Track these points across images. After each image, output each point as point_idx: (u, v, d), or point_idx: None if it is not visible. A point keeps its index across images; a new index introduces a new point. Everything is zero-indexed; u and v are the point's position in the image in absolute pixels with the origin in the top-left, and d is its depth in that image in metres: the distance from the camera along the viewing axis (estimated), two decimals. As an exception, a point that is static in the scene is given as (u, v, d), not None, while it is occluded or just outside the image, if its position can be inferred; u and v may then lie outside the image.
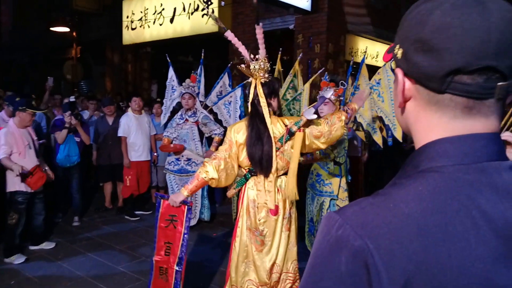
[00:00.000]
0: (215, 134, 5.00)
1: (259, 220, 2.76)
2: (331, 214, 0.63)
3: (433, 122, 0.64)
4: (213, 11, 8.22)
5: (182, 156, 5.03)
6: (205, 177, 2.71)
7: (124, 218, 5.75)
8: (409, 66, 0.64)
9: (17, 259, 4.16)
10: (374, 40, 9.27)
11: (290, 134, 2.72)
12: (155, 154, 6.04)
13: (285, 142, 2.73)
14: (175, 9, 9.40)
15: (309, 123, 2.77)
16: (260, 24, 2.77)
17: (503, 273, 0.54)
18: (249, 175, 2.81)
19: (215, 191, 6.24)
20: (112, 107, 6.05)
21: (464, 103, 0.60)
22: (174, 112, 5.50)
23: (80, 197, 5.47)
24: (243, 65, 2.74)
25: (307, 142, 2.77)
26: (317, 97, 4.03)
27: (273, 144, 2.68)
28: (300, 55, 5.37)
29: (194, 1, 8.91)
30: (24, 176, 4.08)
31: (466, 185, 0.59)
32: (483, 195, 0.58)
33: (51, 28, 12.03)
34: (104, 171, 6.02)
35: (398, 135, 4.03)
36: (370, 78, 4.27)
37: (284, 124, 2.77)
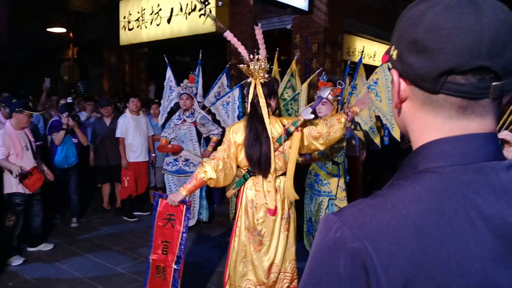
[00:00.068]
0: (213, 134, 5.00)
1: (257, 220, 2.76)
2: (329, 216, 0.62)
3: (429, 122, 0.64)
4: (210, 11, 8.22)
5: (180, 156, 5.02)
6: (204, 177, 2.72)
7: (122, 219, 5.74)
8: (403, 67, 0.64)
9: (15, 261, 4.15)
10: (371, 40, 9.29)
11: (288, 134, 2.72)
12: (153, 155, 6.04)
13: (284, 142, 2.73)
14: (172, 9, 9.38)
15: (307, 123, 2.77)
16: (260, 24, 2.76)
17: (501, 273, 0.54)
18: (248, 175, 2.81)
19: (214, 192, 6.24)
20: (110, 108, 6.04)
21: (458, 103, 0.60)
22: (171, 112, 5.49)
23: (78, 198, 5.46)
24: (243, 65, 2.75)
25: (305, 143, 2.78)
26: (315, 96, 4.04)
27: (272, 144, 2.68)
28: (297, 54, 5.37)
29: (192, 1, 8.89)
30: (24, 176, 4.07)
31: (464, 185, 0.59)
32: (481, 195, 0.58)
33: (48, 29, 11.99)
34: (102, 172, 6.01)
35: (396, 134, 4.04)
36: (367, 78, 4.28)
37: (282, 124, 2.78)
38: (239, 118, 5.10)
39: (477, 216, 0.57)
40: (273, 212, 2.75)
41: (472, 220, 0.56)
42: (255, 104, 2.73)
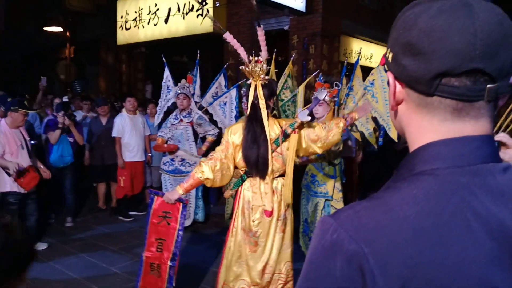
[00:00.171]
0: (209, 134, 5.00)
1: (253, 222, 2.77)
2: (326, 218, 0.62)
3: (424, 124, 0.64)
4: (208, 12, 8.22)
5: (177, 156, 5.02)
6: (201, 177, 2.73)
7: (118, 218, 5.72)
8: (399, 69, 0.64)
9: (9, 261, 4.12)
10: (368, 42, 9.31)
11: (285, 135, 2.74)
12: (149, 154, 6.02)
13: (281, 143, 2.74)
14: (169, 9, 9.37)
15: (304, 126, 2.78)
16: (262, 26, 2.78)
17: (498, 275, 0.54)
18: (246, 176, 2.82)
19: (210, 192, 6.23)
20: (106, 107, 6.02)
21: (453, 105, 0.61)
22: (168, 112, 5.48)
23: (73, 197, 5.43)
24: (243, 67, 2.76)
25: (304, 145, 2.78)
26: (312, 97, 4.04)
27: (269, 146, 2.69)
28: (294, 55, 5.37)
29: (189, 2, 8.89)
30: (21, 173, 4.05)
31: (460, 187, 0.59)
32: (478, 197, 0.58)
33: (45, 28, 11.95)
34: (98, 172, 5.99)
35: (393, 135, 4.05)
36: (364, 79, 4.29)
37: (280, 126, 2.79)
38: (236, 118, 5.09)
39: (474, 218, 0.57)
40: (269, 214, 2.76)
41: (469, 222, 0.56)
42: (255, 105, 2.73)
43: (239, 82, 5.33)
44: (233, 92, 5.15)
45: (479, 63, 0.57)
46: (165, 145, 5.02)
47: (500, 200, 0.58)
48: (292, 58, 5.24)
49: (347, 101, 4.34)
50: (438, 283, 0.54)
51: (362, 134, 4.44)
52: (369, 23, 8.81)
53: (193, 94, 5.20)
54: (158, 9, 9.67)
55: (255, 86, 2.74)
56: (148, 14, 9.88)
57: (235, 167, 2.84)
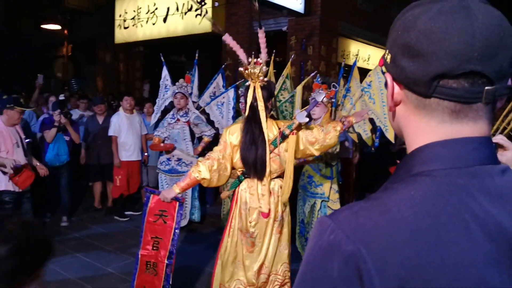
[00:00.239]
0: (205, 135, 4.99)
1: (250, 223, 2.77)
2: (323, 218, 0.62)
3: (422, 126, 0.64)
4: (206, 12, 8.21)
5: (173, 156, 5.01)
6: (197, 176, 2.75)
7: (114, 218, 5.70)
8: (397, 70, 0.64)
9: (4, 259, 4.09)
10: (365, 43, 9.34)
11: (283, 137, 2.75)
12: (146, 154, 6.00)
13: (279, 144, 2.75)
14: (168, 8, 9.36)
15: (302, 127, 2.79)
16: (263, 28, 2.79)
17: (496, 277, 0.54)
18: (243, 177, 2.83)
19: (206, 192, 6.22)
20: (103, 106, 5.99)
21: (451, 107, 0.61)
22: (165, 112, 5.47)
23: (69, 196, 5.41)
24: (242, 68, 2.77)
25: (301, 147, 2.80)
26: (309, 99, 4.05)
27: (267, 147, 2.70)
28: (293, 56, 5.37)
29: (188, 1, 8.88)
30: (18, 170, 4.02)
31: (458, 189, 0.59)
32: (476, 199, 0.58)
33: (42, 26, 11.91)
34: (94, 171, 5.96)
35: (390, 137, 4.05)
36: (361, 81, 4.29)
37: (278, 127, 2.80)
38: (233, 119, 5.09)
39: (472, 220, 0.56)
40: (266, 215, 2.76)
41: (467, 224, 0.56)
42: (254, 107, 2.74)
43: (237, 83, 5.33)
44: (231, 92, 5.14)
45: (477, 65, 0.57)
46: (162, 145, 5.01)
47: (499, 202, 0.58)
48: (290, 60, 5.24)
49: (344, 103, 4.34)
50: (436, 284, 0.54)
51: (359, 135, 4.45)
52: (367, 25, 8.84)
53: (190, 94, 5.19)
54: (156, 8, 9.66)
55: (254, 87, 2.75)
56: (147, 13, 9.86)
57: (233, 168, 2.84)
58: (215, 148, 2.82)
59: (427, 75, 0.59)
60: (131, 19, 10.25)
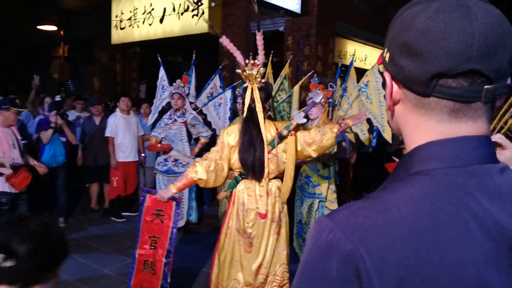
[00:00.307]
0: (202, 136, 4.98)
1: (247, 223, 2.77)
2: (322, 218, 0.62)
3: (421, 125, 0.64)
4: (203, 12, 8.20)
5: (170, 156, 4.99)
6: (194, 177, 2.75)
7: (111, 219, 5.68)
8: (395, 69, 0.64)
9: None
10: (362, 43, 9.36)
11: (281, 137, 2.76)
12: (143, 155, 5.98)
13: (276, 145, 2.76)
14: (165, 9, 9.35)
15: (300, 128, 2.80)
16: (261, 31, 2.80)
17: (495, 276, 0.54)
18: (240, 178, 2.83)
19: (204, 193, 6.21)
20: (100, 107, 5.97)
21: (450, 106, 0.60)
22: (162, 112, 5.46)
23: (65, 197, 5.39)
24: (239, 70, 2.78)
25: (299, 148, 2.81)
26: (307, 99, 4.05)
27: (265, 149, 2.71)
28: (291, 57, 5.38)
29: (184, 2, 8.87)
30: (16, 168, 4.00)
31: (457, 188, 0.58)
32: (475, 198, 0.58)
33: (39, 27, 11.86)
34: (90, 172, 5.94)
35: (388, 137, 4.06)
36: (358, 81, 4.30)
37: (276, 128, 2.81)
38: (230, 120, 5.08)
39: (471, 218, 0.56)
40: (264, 216, 2.77)
41: (466, 223, 0.56)
42: (252, 108, 2.74)
43: (234, 84, 5.32)
44: (228, 93, 5.14)
45: (477, 64, 0.57)
46: (159, 145, 4.99)
47: (497, 201, 0.58)
48: (289, 61, 5.24)
49: (341, 102, 4.35)
50: (435, 283, 0.54)
51: (356, 135, 4.45)
52: (364, 25, 8.85)
53: (188, 94, 5.18)
54: (153, 9, 9.65)
55: (252, 89, 2.75)
56: (143, 13, 9.85)
57: (230, 169, 2.84)
58: (213, 149, 2.82)
59: (425, 75, 0.59)
60: (128, 19, 10.23)
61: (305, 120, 2.76)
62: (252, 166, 2.71)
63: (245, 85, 2.83)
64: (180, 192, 2.90)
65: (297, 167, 4.16)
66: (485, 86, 0.58)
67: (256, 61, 2.73)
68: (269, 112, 3.76)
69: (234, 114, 5.09)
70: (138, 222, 2.96)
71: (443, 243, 0.55)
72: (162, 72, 5.51)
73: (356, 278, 0.55)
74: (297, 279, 0.62)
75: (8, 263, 1.08)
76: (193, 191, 5.15)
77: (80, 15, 11.59)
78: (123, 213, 5.77)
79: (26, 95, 6.80)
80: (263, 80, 2.78)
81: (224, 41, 2.79)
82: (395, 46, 0.63)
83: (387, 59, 0.66)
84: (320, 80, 4.36)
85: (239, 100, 3.83)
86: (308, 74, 4.70)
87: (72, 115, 6.34)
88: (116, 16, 10.50)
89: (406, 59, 0.61)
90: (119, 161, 5.61)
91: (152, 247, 2.91)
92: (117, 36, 10.53)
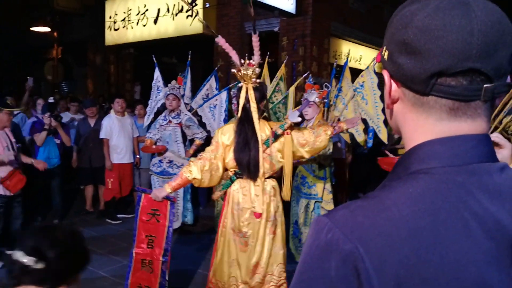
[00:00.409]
0: (197, 137, 4.96)
1: (242, 223, 2.79)
2: (320, 217, 0.61)
3: (420, 124, 0.63)
4: (197, 13, 8.18)
5: (165, 158, 4.97)
6: (189, 176, 2.76)
7: (106, 221, 5.65)
8: (394, 68, 0.63)
9: (-6, 265, 4.05)
10: (357, 44, 9.38)
11: (276, 136, 2.78)
12: (138, 156, 5.96)
13: (271, 144, 2.77)
14: (159, 10, 9.31)
15: (294, 126, 2.81)
16: (258, 32, 2.83)
17: (495, 275, 0.54)
18: (235, 177, 2.84)
19: (199, 194, 6.19)
20: (94, 109, 5.94)
21: (449, 105, 0.60)
22: (158, 114, 5.44)
23: (60, 199, 5.36)
24: (234, 70, 2.79)
25: (292, 149, 2.83)
26: (302, 99, 4.05)
27: (260, 148, 2.72)
28: (287, 58, 5.38)
29: (178, 2, 8.84)
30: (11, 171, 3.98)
31: (457, 187, 0.58)
32: (475, 197, 0.57)
33: (32, 28, 11.79)
34: (85, 174, 5.90)
35: (383, 137, 4.06)
36: (353, 81, 4.30)
37: (270, 127, 2.83)
38: (225, 121, 5.07)
39: (471, 217, 0.56)
40: (259, 215, 2.78)
41: (466, 222, 0.55)
42: (246, 108, 2.76)
43: (230, 85, 5.31)
44: (224, 94, 5.12)
45: (476, 62, 0.56)
46: (154, 147, 4.97)
47: (497, 199, 0.58)
48: (285, 62, 5.24)
49: (336, 103, 4.35)
50: (435, 283, 0.53)
51: (351, 135, 4.46)
52: (358, 25, 8.88)
53: (183, 96, 5.16)
54: (147, 10, 9.61)
55: (246, 89, 2.77)
56: (137, 14, 9.81)
57: (225, 169, 2.85)
58: (207, 148, 2.84)
59: (424, 73, 0.58)
60: (121, 20, 10.18)
61: (299, 119, 2.78)
62: (247, 166, 2.73)
63: (239, 85, 2.84)
64: (175, 191, 2.91)
65: (293, 167, 4.17)
66: (485, 85, 0.58)
67: (251, 61, 2.74)
68: (264, 113, 3.76)
69: (229, 116, 5.08)
70: (135, 221, 2.98)
71: (443, 242, 0.54)
72: (157, 73, 5.49)
73: (355, 278, 0.55)
74: (296, 278, 0.61)
75: (39, 265, 1.21)
76: (188, 192, 5.14)
77: (74, 16, 11.52)
78: (118, 215, 5.75)
79: (19, 97, 6.75)
80: (258, 80, 2.80)
81: (220, 41, 2.81)
82: (393, 44, 0.63)
83: (385, 57, 0.65)
84: (315, 81, 4.36)
85: (234, 100, 3.83)
86: (304, 75, 4.70)
87: (66, 116, 6.29)
88: (110, 17, 10.45)
89: (404, 57, 0.60)
90: (114, 162, 5.58)
91: (149, 246, 2.94)
92: (111, 37, 10.48)
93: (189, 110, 5.22)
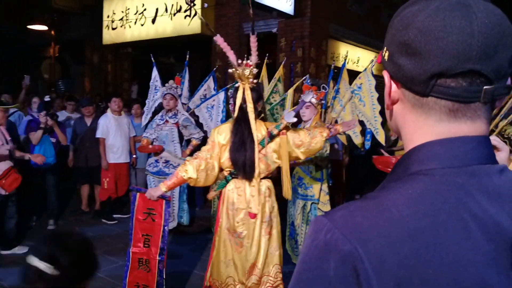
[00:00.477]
0: (194, 138, 4.95)
1: (237, 223, 2.79)
2: (319, 218, 0.61)
3: (419, 125, 0.63)
4: (195, 13, 8.18)
5: (161, 158, 4.96)
6: (184, 176, 2.76)
7: (101, 221, 5.63)
8: (394, 68, 0.63)
9: (-12, 264, 4.02)
10: (355, 46, 9.40)
11: (271, 137, 2.79)
12: (134, 156, 5.94)
13: (266, 144, 2.78)
14: (157, 9, 9.31)
15: (289, 126, 2.82)
16: (256, 33, 2.83)
17: (495, 277, 0.54)
18: (230, 177, 2.84)
19: (196, 195, 6.18)
20: (91, 108, 5.92)
21: (449, 106, 0.60)
22: (156, 113, 5.42)
23: (55, 199, 5.32)
24: (232, 70, 2.79)
25: (288, 149, 2.82)
26: (299, 100, 4.05)
27: (256, 149, 2.73)
28: (285, 60, 5.38)
29: (177, 2, 8.84)
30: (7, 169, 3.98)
31: (457, 188, 0.58)
32: (474, 198, 0.57)
33: (29, 26, 11.75)
34: (81, 173, 5.88)
35: (381, 139, 4.07)
36: (350, 83, 4.31)
37: (266, 128, 2.84)
38: (222, 122, 5.06)
39: (471, 219, 0.56)
40: (254, 216, 2.78)
41: (466, 223, 0.55)
42: (243, 108, 2.76)
43: (228, 86, 5.30)
44: (221, 95, 5.11)
45: (476, 64, 0.56)
46: (150, 146, 4.96)
47: (497, 201, 0.58)
48: (283, 63, 5.24)
49: (334, 104, 4.35)
50: (434, 284, 0.53)
51: (348, 137, 4.46)
52: (356, 27, 8.90)
53: (180, 95, 5.16)
54: (145, 9, 9.60)
55: (243, 89, 2.77)
56: (135, 14, 9.79)
57: (221, 169, 2.85)
58: (203, 148, 2.84)
59: (424, 74, 0.58)
60: (119, 20, 10.17)
61: (295, 119, 2.80)
62: (243, 166, 2.73)
63: (236, 85, 2.84)
64: (170, 190, 2.91)
65: (290, 169, 4.16)
66: (485, 87, 0.57)
67: (248, 61, 2.74)
68: (262, 115, 3.77)
69: (227, 116, 5.07)
70: (131, 220, 2.98)
71: (443, 243, 0.54)
72: (155, 73, 5.48)
73: (355, 278, 0.54)
74: (294, 279, 0.61)
75: (54, 272, 1.26)
76: (184, 193, 5.12)
77: (71, 15, 11.50)
78: (114, 215, 5.73)
79: (16, 95, 6.73)
80: (255, 81, 2.80)
81: (218, 39, 2.82)
82: (394, 45, 0.62)
83: (386, 58, 0.65)
84: (312, 82, 4.37)
85: (232, 101, 3.84)
86: (304, 78, 4.71)
87: (62, 115, 6.27)
88: (108, 16, 10.43)
89: (405, 58, 0.60)
90: (110, 162, 5.56)
91: (146, 245, 2.95)
92: (109, 36, 10.46)
93: (187, 110, 5.22)
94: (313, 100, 3.82)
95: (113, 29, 10.33)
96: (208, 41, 7.94)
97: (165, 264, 2.95)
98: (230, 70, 2.83)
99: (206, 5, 8.16)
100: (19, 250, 4.42)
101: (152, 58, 5.46)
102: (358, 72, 4.43)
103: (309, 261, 0.59)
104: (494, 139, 1.25)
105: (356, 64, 9.48)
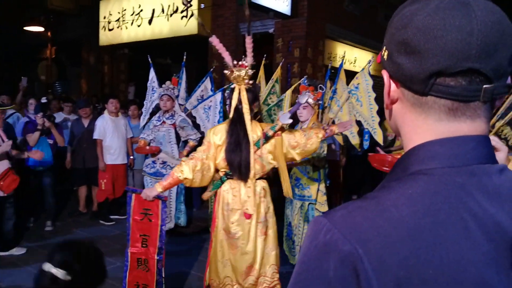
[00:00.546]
0: (191, 139, 4.95)
1: (232, 223, 2.79)
2: (319, 218, 0.61)
3: (419, 124, 0.63)
4: (192, 14, 8.17)
5: (158, 159, 4.95)
6: (180, 176, 2.76)
7: (99, 222, 5.61)
8: (393, 68, 0.63)
9: (-15, 266, 4.01)
10: (352, 46, 9.41)
11: (266, 138, 2.79)
12: (132, 157, 5.92)
13: (262, 145, 2.79)
14: (153, 10, 9.29)
15: (285, 127, 2.82)
16: (252, 34, 2.83)
17: (495, 277, 0.54)
18: (225, 178, 2.84)
19: (193, 196, 6.17)
20: (88, 109, 5.90)
21: (448, 105, 0.60)
22: (153, 114, 5.42)
23: (53, 200, 5.31)
24: (227, 71, 2.79)
25: (283, 150, 2.85)
26: (296, 101, 4.06)
27: (251, 150, 2.73)
28: (283, 60, 5.38)
29: (173, 3, 8.82)
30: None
31: (457, 188, 0.58)
32: (474, 198, 0.57)
33: (25, 28, 11.70)
34: (79, 175, 5.86)
35: (379, 139, 4.07)
36: (347, 83, 4.32)
37: (262, 129, 2.84)
38: (219, 123, 5.05)
39: (471, 219, 0.56)
40: (249, 216, 2.79)
41: (466, 223, 0.55)
42: (239, 109, 2.77)
43: (225, 87, 5.30)
44: (218, 96, 5.11)
45: (475, 63, 0.56)
46: (147, 147, 4.95)
47: (497, 201, 0.57)
48: (281, 64, 5.25)
49: (331, 104, 4.36)
50: (434, 284, 0.53)
51: (345, 137, 4.47)
52: (353, 27, 8.91)
53: (177, 96, 5.15)
54: (141, 10, 9.58)
55: (239, 90, 2.77)
56: (132, 15, 9.77)
57: (216, 170, 2.85)
58: (199, 148, 2.84)
59: (423, 73, 0.58)
60: (116, 21, 10.14)
61: (290, 120, 2.80)
62: (239, 167, 2.74)
63: (232, 86, 2.84)
64: (166, 191, 2.91)
65: (288, 169, 4.16)
66: (484, 86, 0.57)
67: (244, 62, 2.74)
68: (258, 116, 3.77)
69: (224, 117, 5.07)
70: (127, 221, 2.98)
71: (443, 243, 0.54)
72: (152, 74, 5.47)
73: (354, 279, 0.54)
74: (294, 279, 0.61)
75: (67, 278, 1.33)
76: (181, 194, 5.12)
77: (68, 16, 11.46)
78: (112, 216, 5.71)
79: (13, 96, 6.70)
80: (250, 82, 2.80)
81: (214, 40, 2.81)
82: (393, 44, 0.62)
83: (385, 57, 0.65)
84: (309, 82, 4.37)
85: (228, 102, 3.84)
86: (301, 80, 4.71)
87: (59, 117, 6.25)
88: (104, 17, 10.40)
89: (404, 57, 0.60)
90: (108, 163, 5.55)
91: (144, 245, 2.96)
92: (105, 37, 10.44)
93: (184, 111, 5.21)
94: (310, 101, 3.82)
95: (110, 30, 10.30)
96: (205, 42, 7.91)
97: (164, 263, 2.96)
98: (226, 71, 2.82)
99: (202, 5, 8.16)
100: (16, 251, 4.41)
101: (150, 59, 5.46)
102: (355, 72, 4.43)
103: (308, 262, 0.59)
104: (493, 139, 1.25)
105: (353, 64, 9.49)
